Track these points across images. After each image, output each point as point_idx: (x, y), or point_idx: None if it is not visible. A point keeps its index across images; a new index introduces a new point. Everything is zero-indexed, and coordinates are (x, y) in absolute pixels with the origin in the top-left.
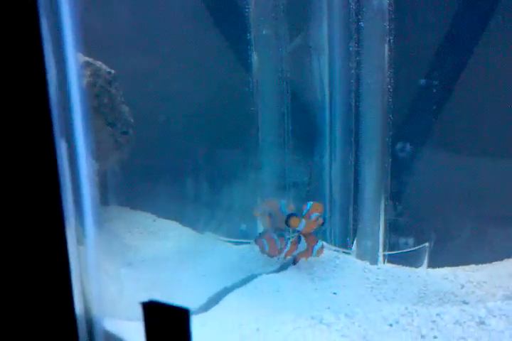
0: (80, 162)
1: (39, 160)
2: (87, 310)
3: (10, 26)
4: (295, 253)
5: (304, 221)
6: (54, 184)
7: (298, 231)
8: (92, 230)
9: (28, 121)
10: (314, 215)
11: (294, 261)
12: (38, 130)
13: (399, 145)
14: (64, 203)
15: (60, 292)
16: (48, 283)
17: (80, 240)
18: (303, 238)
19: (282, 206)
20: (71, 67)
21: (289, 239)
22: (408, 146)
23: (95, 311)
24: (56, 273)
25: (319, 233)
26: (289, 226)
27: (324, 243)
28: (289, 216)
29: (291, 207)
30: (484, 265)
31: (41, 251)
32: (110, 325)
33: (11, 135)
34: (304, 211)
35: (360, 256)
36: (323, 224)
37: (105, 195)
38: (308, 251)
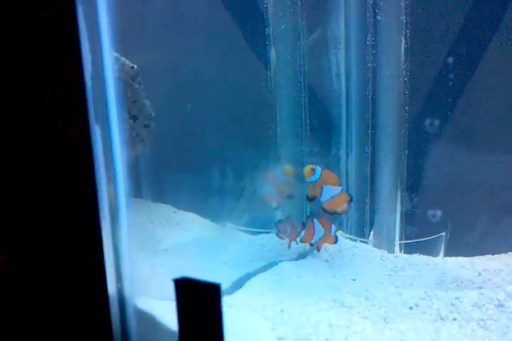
0: (114, 148)
1: (75, 144)
2: (119, 291)
3: (50, 19)
4: (313, 240)
5: (318, 169)
6: (89, 169)
7: (312, 181)
8: (124, 215)
9: (66, 107)
10: (331, 190)
11: (318, 249)
12: (75, 115)
13: (415, 137)
14: (99, 187)
15: (94, 273)
16: (84, 265)
17: (114, 225)
18: (317, 222)
19: (277, 173)
20: (106, 57)
21: (304, 222)
22: (424, 138)
23: (127, 291)
24: (91, 257)
25: (336, 222)
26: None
27: (342, 232)
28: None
29: (288, 171)
30: (500, 255)
31: (77, 234)
32: (142, 303)
33: (50, 122)
34: (313, 178)
35: (377, 245)
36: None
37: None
38: (327, 236)
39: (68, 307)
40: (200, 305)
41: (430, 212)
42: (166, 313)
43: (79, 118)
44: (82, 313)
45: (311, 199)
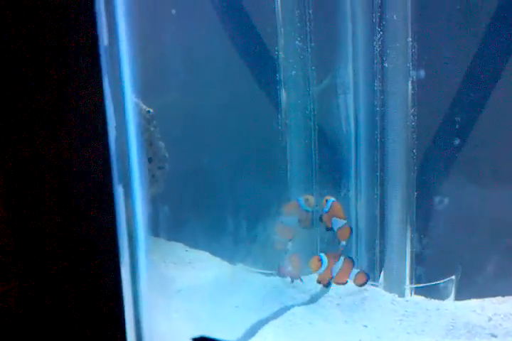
0: (135, 205)
1: (99, 202)
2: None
3: (77, 83)
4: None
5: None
6: (111, 226)
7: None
8: (144, 267)
9: (90, 169)
10: (337, 222)
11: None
12: (99, 177)
13: (423, 179)
14: (120, 242)
15: (113, 324)
16: (103, 316)
17: (134, 276)
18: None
19: (301, 204)
20: (129, 117)
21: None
22: (432, 180)
23: None
24: (111, 307)
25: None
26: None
27: None
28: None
29: (311, 202)
30: (511, 297)
31: (98, 286)
32: None
33: (74, 182)
34: (326, 208)
35: (388, 288)
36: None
37: None
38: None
39: None
40: None
41: (440, 254)
42: None
43: (103, 178)
44: None
45: (329, 229)
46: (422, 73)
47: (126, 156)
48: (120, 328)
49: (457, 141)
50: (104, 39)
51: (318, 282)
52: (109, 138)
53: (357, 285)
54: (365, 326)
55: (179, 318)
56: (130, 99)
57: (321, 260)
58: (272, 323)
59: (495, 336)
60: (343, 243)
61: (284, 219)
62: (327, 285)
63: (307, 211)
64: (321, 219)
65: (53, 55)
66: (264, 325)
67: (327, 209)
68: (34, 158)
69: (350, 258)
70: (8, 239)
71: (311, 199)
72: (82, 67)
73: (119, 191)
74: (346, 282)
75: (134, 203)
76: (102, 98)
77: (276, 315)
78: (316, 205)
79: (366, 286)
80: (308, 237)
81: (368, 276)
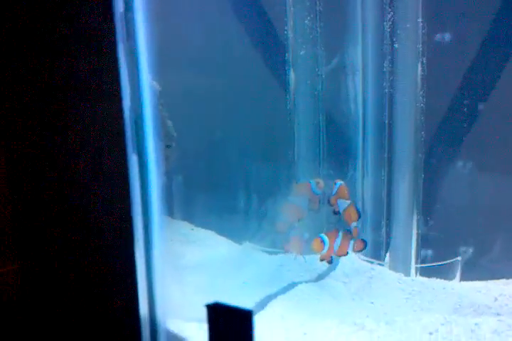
0: (150, 175)
1: (114, 170)
2: (151, 311)
3: (92, 53)
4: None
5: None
6: (126, 194)
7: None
8: (158, 238)
9: (105, 137)
10: (343, 203)
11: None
12: (113, 145)
13: (431, 161)
14: (133, 211)
15: (127, 293)
16: (117, 286)
17: (147, 247)
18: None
19: (313, 186)
20: (144, 88)
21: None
22: (440, 162)
23: (159, 312)
24: (124, 277)
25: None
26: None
27: (359, 254)
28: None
29: (321, 185)
30: None
31: (112, 256)
32: (172, 325)
33: (91, 151)
34: (333, 191)
35: (393, 268)
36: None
37: None
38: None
39: (100, 326)
40: (232, 331)
41: (445, 235)
42: (196, 335)
43: (117, 146)
44: (114, 333)
45: (336, 213)
46: (432, 54)
47: (140, 124)
48: (133, 303)
49: (466, 124)
50: (119, 5)
51: (321, 260)
52: (123, 106)
53: (356, 252)
54: (372, 303)
55: (190, 292)
56: (144, 67)
57: (322, 241)
58: (281, 298)
59: (501, 315)
60: (354, 224)
61: (294, 199)
62: (330, 261)
63: (317, 194)
64: (329, 202)
65: (66, 20)
66: (272, 300)
67: (334, 192)
68: (44, 128)
69: (348, 230)
70: (11, 218)
71: (321, 182)
72: (96, 33)
73: (133, 160)
74: (347, 253)
75: (148, 174)
76: (116, 65)
77: (284, 291)
78: (328, 188)
79: (372, 265)
80: (314, 221)
81: (366, 243)
